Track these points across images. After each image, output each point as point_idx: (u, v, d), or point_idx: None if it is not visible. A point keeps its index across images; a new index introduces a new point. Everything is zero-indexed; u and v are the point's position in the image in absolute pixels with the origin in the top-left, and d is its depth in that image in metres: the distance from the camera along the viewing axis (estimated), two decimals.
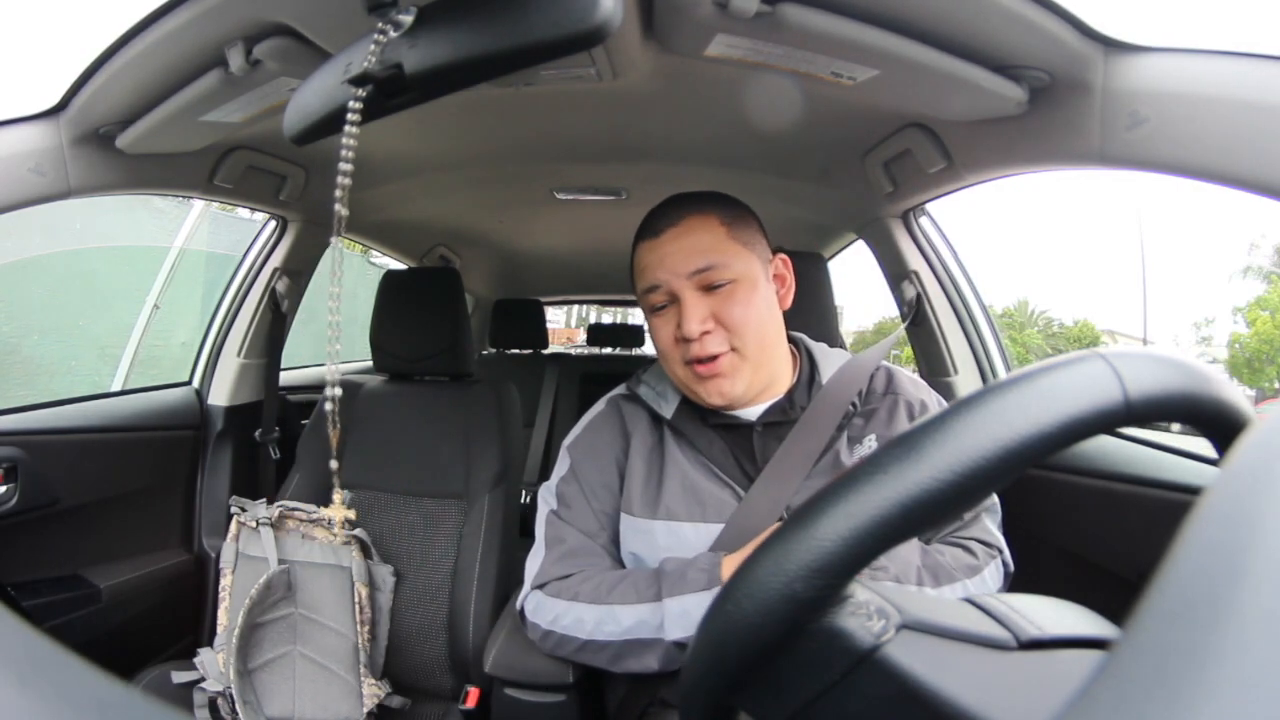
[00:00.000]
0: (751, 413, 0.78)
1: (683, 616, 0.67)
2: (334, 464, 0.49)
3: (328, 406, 0.44)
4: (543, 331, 2.59)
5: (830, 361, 0.82)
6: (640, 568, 0.76)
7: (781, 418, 0.77)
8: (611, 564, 0.79)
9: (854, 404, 0.77)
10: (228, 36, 0.69)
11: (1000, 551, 0.77)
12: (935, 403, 0.80)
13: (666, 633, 0.67)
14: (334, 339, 0.44)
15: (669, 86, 0.91)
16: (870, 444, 0.76)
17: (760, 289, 0.75)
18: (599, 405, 0.88)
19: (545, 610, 0.75)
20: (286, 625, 1.02)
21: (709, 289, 0.73)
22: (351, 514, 1.04)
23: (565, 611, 0.73)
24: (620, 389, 0.88)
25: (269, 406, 1.48)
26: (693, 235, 0.73)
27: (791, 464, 0.74)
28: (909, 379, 0.82)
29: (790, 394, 0.79)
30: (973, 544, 0.75)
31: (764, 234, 0.79)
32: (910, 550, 0.72)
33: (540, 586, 0.77)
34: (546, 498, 0.83)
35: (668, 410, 0.80)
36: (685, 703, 0.33)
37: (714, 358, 0.72)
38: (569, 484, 0.82)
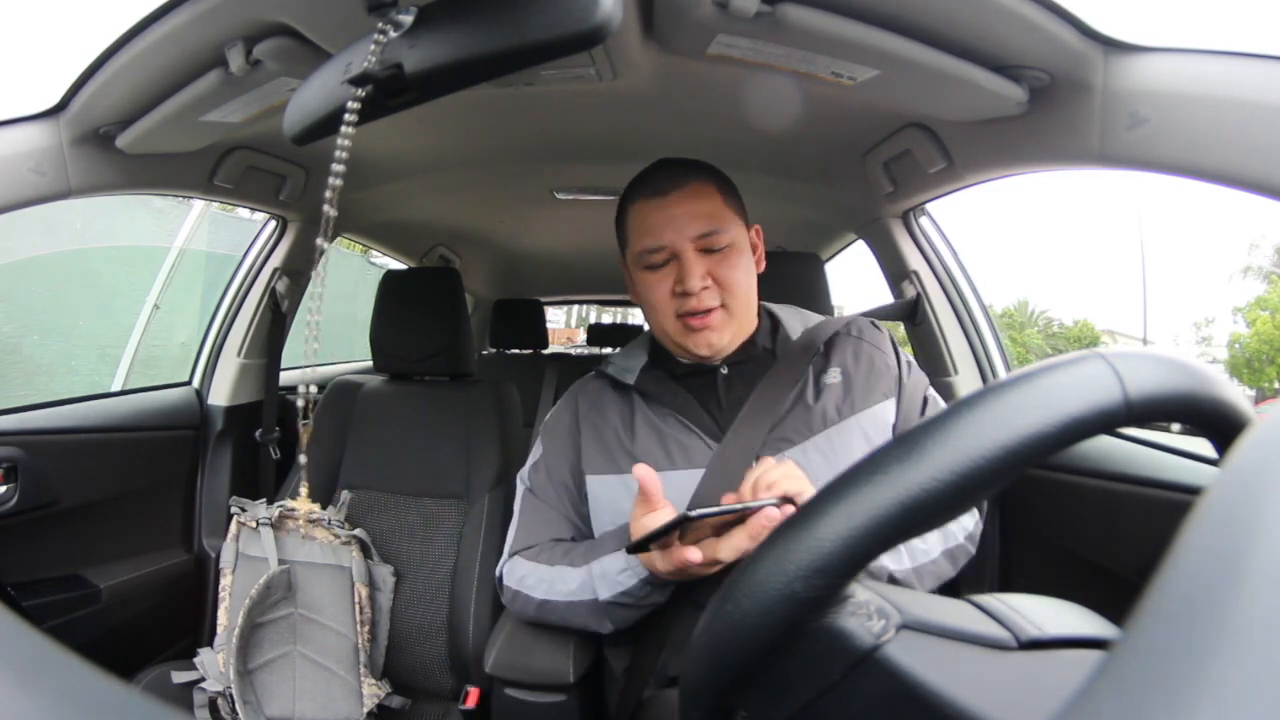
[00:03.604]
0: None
1: (603, 577, 0.73)
2: (302, 459, 0.49)
3: (299, 404, 0.45)
4: (543, 331, 2.59)
5: (791, 316, 0.88)
6: (589, 541, 0.81)
7: (743, 357, 0.84)
8: (571, 528, 0.85)
9: (821, 346, 0.84)
10: (228, 36, 0.69)
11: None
12: (890, 347, 0.87)
13: (598, 593, 0.73)
14: (312, 338, 0.45)
15: (669, 86, 0.91)
16: (835, 375, 0.82)
17: (746, 254, 0.82)
18: (567, 392, 0.94)
19: (515, 570, 0.82)
20: (286, 625, 1.02)
21: (707, 251, 0.78)
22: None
23: (530, 572, 0.80)
24: (589, 375, 0.94)
25: (269, 406, 1.48)
26: (698, 200, 0.79)
27: (760, 410, 0.79)
28: (869, 323, 0.89)
29: (753, 338, 0.85)
30: None
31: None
32: None
33: (514, 554, 0.85)
34: (523, 479, 0.91)
35: (630, 377, 0.86)
36: (686, 703, 0.33)
37: (708, 311, 0.78)
38: (539, 468, 0.89)
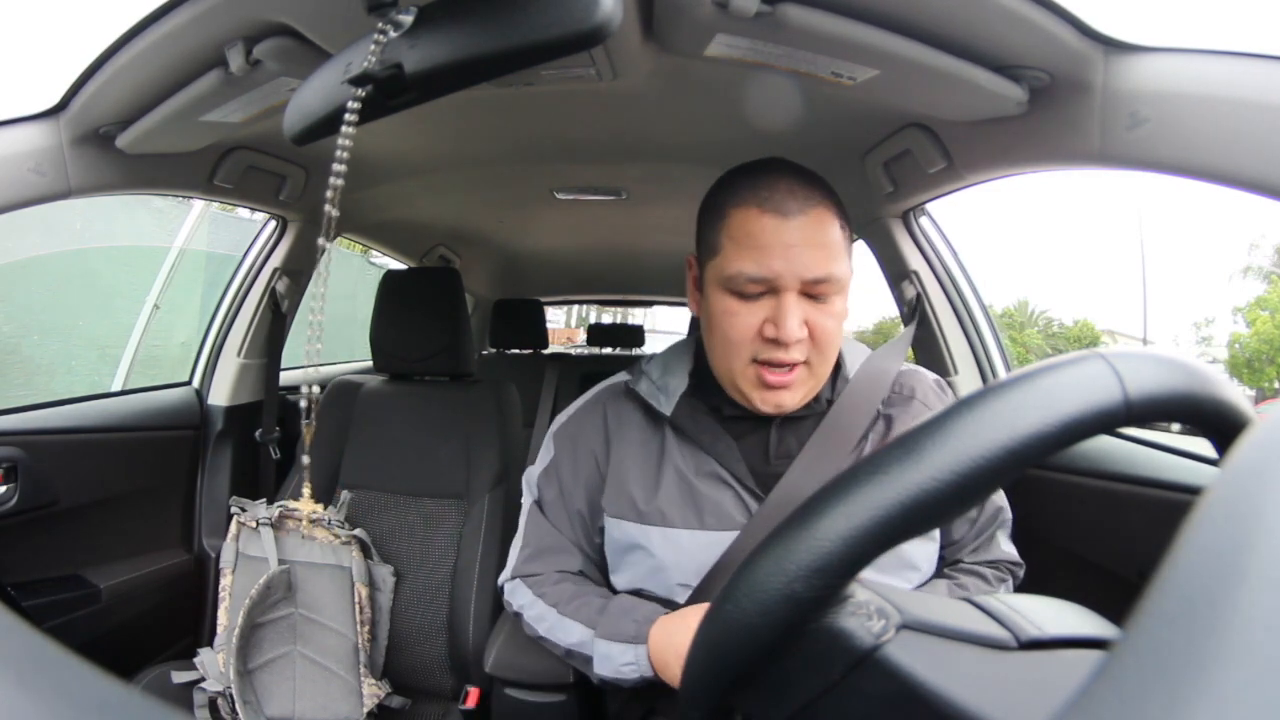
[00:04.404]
0: None
1: (607, 659, 0.69)
2: (305, 459, 0.49)
3: (302, 404, 0.45)
4: (543, 331, 2.60)
5: (853, 353, 0.78)
6: (601, 592, 0.77)
7: (806, 412, 0.73)
8: (581, 559, 0.80)
9: (880, 408, 0.75)
10: (228, 36, 0.69)
11: (1013, 569, 0.78)
12: None
13: (594, 664, 0.70)
14: (314, 338, 0.45)
15: (669, 86, 0.91)
16: None
17: (846, 297, 0.69)
18: (589, 395, 0.84)
19: (518, 596, 0.79)
20: (286, 625, 1.02)
21: (811, 295, 0.66)
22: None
23: (531, 604, 0.77)
24: (618, 380, 0.83)
25: (269, 406, 1.48)
26: (822, 232, 0.66)
27: (812, 471, 0.70)
28: (933, 383, 0.80)
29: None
30: (986, 570, 0.77)
31: None
32: (941, 590, 0.73)
33: (517, 576, 0.81)
34: (529, 485, 0.83)
35: (666, 406, 0.75)
36: (685, 703, 0.33)
37: (791, 366, 0.67)
38: (549, 478, 0.81)
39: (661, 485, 0.74)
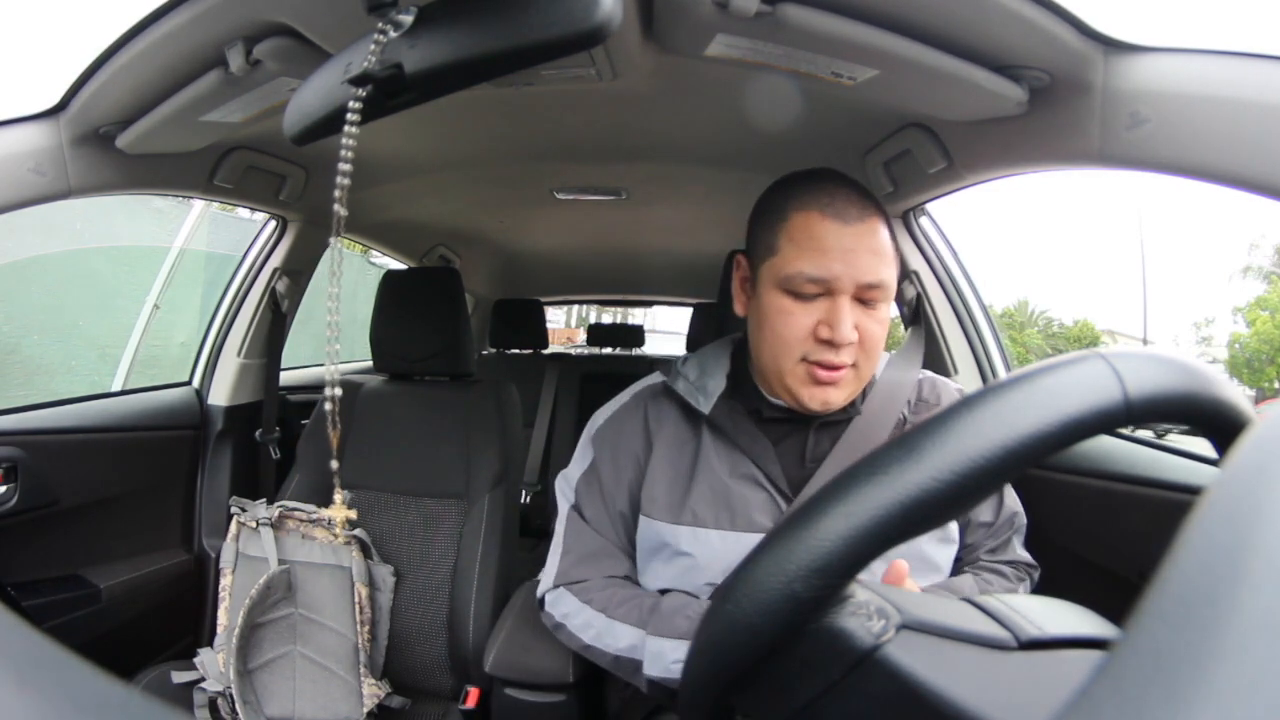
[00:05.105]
0: None
1: (658, 657, 0.67)
2: (334, 464, 0.49)
3: (327, 406, 0.44)
4: (543, 331, 2.59)
5: (881, 359, 0.80)
6: (651, 593, 0.75)
7: (841, 416, 0.75)
8: (628, 564, 0.79)
9: (904, 413, 0.76)
10: (228, 36, 0.69)
11: (1030, 571, 0.80)
12: None
13: (644, 666, 0.68)
14: (333, 339, 0.44)
15: (669, 86, 0.91)
16: None
17: (890, 306, 0.72)
18: (625, 396, 0.84)
19: (561, 604, 0.77)
20: (286, 625, 1.02)
21: (859, 300, 0.69)
22: (352, 514, 1.04)
23: (577, 612, 0.75)
24: (654, 380, 0.83)
25: (269, 406, 1.48)
26: (876, 240, 0.68)
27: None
28: (956, 392, 0.82)
29: None
30: (1006, 568, 0.78)
31: None
32: (967, 581, 0.74)
33: (560, 585, 0.78)
34: (565, 490, 0.82)
35: (705, 405, 0.75)
36: (685, 703, 0.33)
37: (839, 367, 0.69)
38: (589, 481, 0.80)
39: (695, 485, 0.74)
